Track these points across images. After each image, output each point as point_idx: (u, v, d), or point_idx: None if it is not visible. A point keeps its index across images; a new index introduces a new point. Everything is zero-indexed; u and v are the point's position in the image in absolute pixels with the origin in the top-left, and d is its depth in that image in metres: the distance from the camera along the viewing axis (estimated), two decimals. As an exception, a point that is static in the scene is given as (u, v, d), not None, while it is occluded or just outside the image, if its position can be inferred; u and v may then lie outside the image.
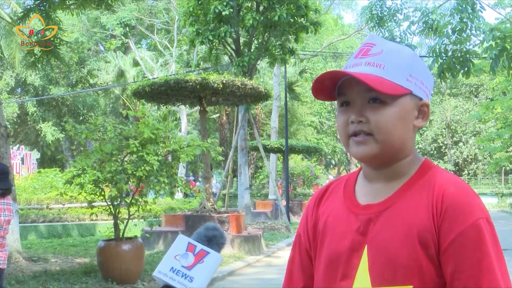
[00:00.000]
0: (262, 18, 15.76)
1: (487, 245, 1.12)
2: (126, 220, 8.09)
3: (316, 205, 1.37)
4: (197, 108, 16.25)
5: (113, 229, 8.26)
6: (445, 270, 1.14)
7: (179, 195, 22.84)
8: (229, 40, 16.52)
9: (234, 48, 16.88)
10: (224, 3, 15.51)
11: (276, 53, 17.06)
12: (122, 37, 32.74)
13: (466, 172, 40.18)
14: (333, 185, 1.38)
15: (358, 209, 1.25)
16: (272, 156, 26.11)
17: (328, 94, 1.26)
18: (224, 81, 12.61)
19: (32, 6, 11.09)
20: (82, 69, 33.47)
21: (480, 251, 1.11)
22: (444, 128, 40.66)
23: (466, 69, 11.71)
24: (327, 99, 1.27)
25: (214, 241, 1.23)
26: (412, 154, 1.26)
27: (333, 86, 1.24)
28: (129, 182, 8.02)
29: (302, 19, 16.34)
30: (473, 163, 40.45)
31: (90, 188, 7.95)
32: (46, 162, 36.34)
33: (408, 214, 1.18)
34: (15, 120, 31.68)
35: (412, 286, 1.14)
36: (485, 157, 38.85)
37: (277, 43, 17.08)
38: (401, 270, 1.15)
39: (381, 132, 1.19)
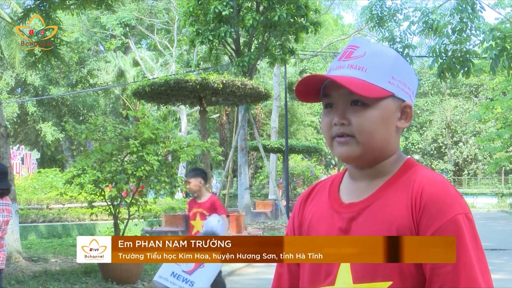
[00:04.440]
0: (262, 18, 15.75)
1: (466, 240, 1.13)
2: (126, 220, 8.09)
3: (302, 206, 1.39)
4: (197, 108, 16.25)
5: (113, 229, 8.26)
6: (424, 266, 1.15)
7: (179, 195, 22.83)
8: (229, 40, 16.51)
9: (234, 48, 16.87)
10: (224, 3, 15.50)
11: (276, 53, 17.06)
12: (122, 37, 32.74)
13: (466, 172, 40.18)
14: (319, 185, 1.40)
15: (342, 208, 1.27)
16: (272, 156, 26.12)
17: (313, 96, 1.28)
18: (224, 81, 12.61)
19: (32, 6, 11.09)
20: (82, 69, 33.46)
21: (458, 246, 1.11)
22: (444, 128, 40.66)
23: (466, 69, 11.73)
24: (312, 100, 1.30)
25: None
26: (395, 153, 1.28)
27: (318, 88, 1.26)
28: (129, 182, 8.02)
29: (302, 19, 16.34)
30: (473, 163, 40.44)
31: (90, 188, 7.95)
32: (46, 162, 36.34)
33: (388, 211, 1.20)
34: (15, 120, 31.68)
35: (392, 283, 1.16)
36: (485, 157, 38.85)
37: (277, 43, 17.08)
38: (381, 267, 1.16)
39: (362, 134, 1.21)
